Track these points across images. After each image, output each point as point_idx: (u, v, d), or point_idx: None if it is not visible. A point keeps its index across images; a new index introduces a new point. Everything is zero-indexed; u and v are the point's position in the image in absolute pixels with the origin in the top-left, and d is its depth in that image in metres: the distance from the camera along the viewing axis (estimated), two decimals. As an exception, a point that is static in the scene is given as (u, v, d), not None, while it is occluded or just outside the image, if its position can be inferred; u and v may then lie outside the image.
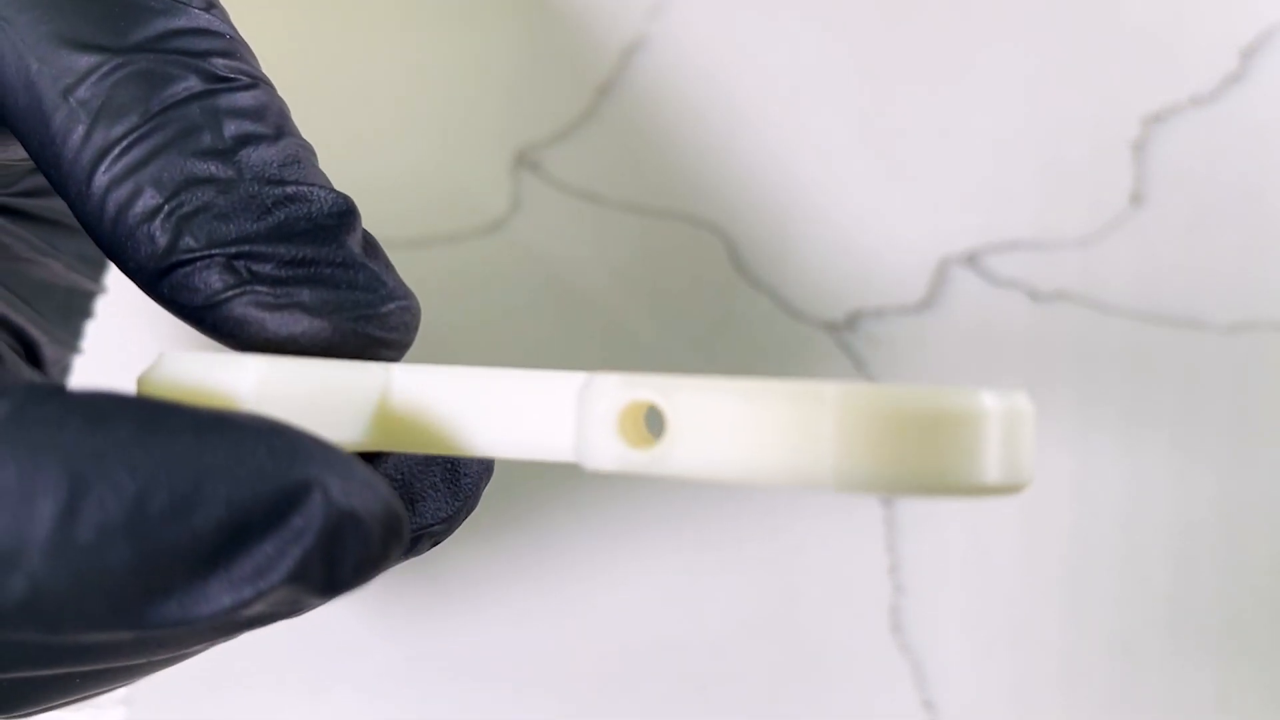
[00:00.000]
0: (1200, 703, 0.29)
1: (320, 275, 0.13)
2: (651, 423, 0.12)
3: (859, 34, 0.29)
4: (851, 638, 0.30)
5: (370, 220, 0.30)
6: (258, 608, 0.11)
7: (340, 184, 0.30)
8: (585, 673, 0.30)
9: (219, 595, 0.11)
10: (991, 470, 0.11)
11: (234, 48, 0.14)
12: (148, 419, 0.10)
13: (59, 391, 0.11)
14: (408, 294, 0.14)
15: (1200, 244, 0.29)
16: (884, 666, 0.30)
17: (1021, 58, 0.29)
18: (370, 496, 0.11)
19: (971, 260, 0.29)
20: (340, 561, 0.11)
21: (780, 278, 0.29)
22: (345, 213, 0.14)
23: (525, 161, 0.30)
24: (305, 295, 0.13)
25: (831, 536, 0.29)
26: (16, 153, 0.16)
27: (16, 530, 0.10)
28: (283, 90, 0.17)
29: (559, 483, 0.30)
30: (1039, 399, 0.29)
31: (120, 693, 0.29)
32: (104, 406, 0.11)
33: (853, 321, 0.29)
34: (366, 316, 0.14)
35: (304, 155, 0.14)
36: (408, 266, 0.29)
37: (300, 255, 0.13)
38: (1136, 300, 0.29)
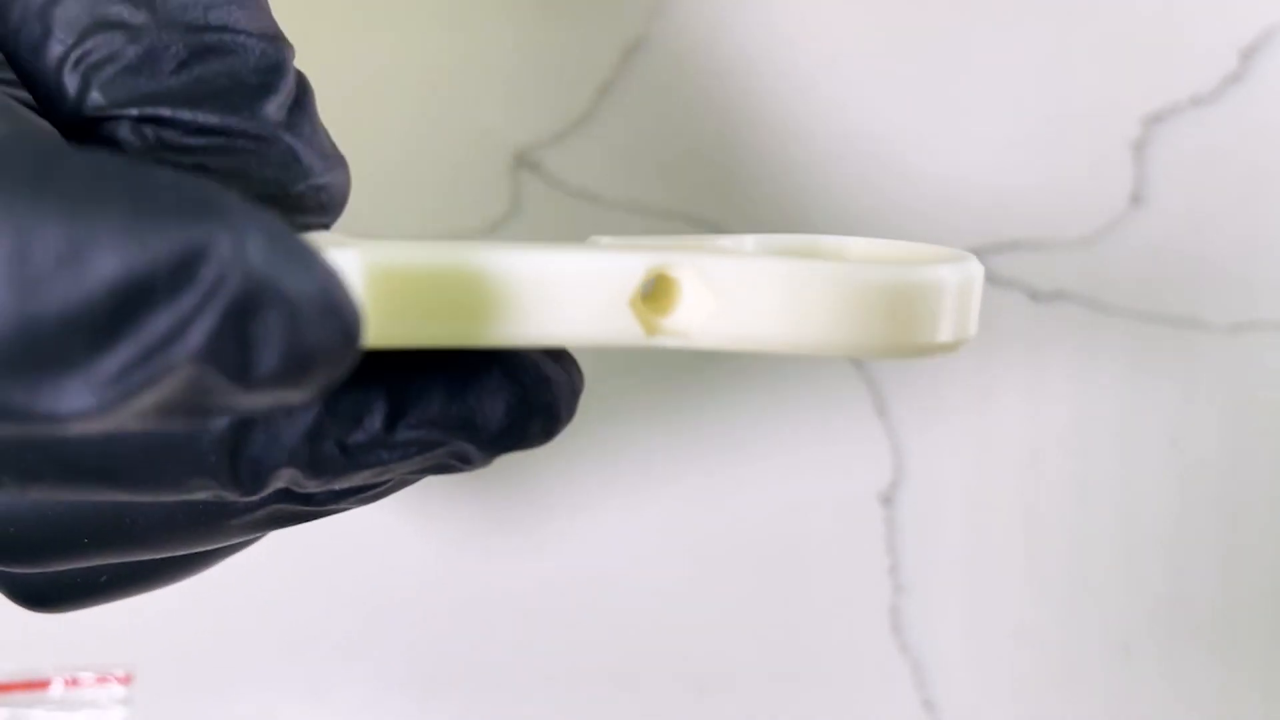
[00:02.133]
0: (1200, 703, 0.29)
1: (232, 147, 0.12)
2: (661, 294, 0.12)
3: (858, 34, 0.29)
4: (851, 637, 0.30)
5: (370, 221, 0.30)
6: (168, 389, 0.09)
7: (340, 184, 0.30)
8: (585, 673, 0.30)
9: (126, 371, 0.09)
10: (944, 333, 0.13)
11: None
12: (36, 164, 0.09)
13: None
14: (327, 167, 0.13)
15: (1200, 244, 0.29)
16: (884, 666, 0.29)
17: (1021, 58, 0.29)
18: (301, 270, 0.09)
19: (971, 260, 0.29)
20: (262, 343, 0.09)
21: (780, 278, 0.29)
22: (271, 68, 0.12)
23: (525, 162, 0.30)
24: (215, 165, 0.12)
25: (831, 536, 0.29)
26: None
27: None
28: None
29: (559, 484, 0.30)
30: (1038, 398, 0.29)
31: (120, 692, 0.29)
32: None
33: (853, 321, 0.29)
34: (277, 197, 0.12)
35: None
36: (408, 266, 0.29)
37: (210, 124, 0.12)
38: (1136, 300, 0.29)
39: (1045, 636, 0.29)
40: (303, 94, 0.13)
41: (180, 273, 0.09)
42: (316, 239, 0.11)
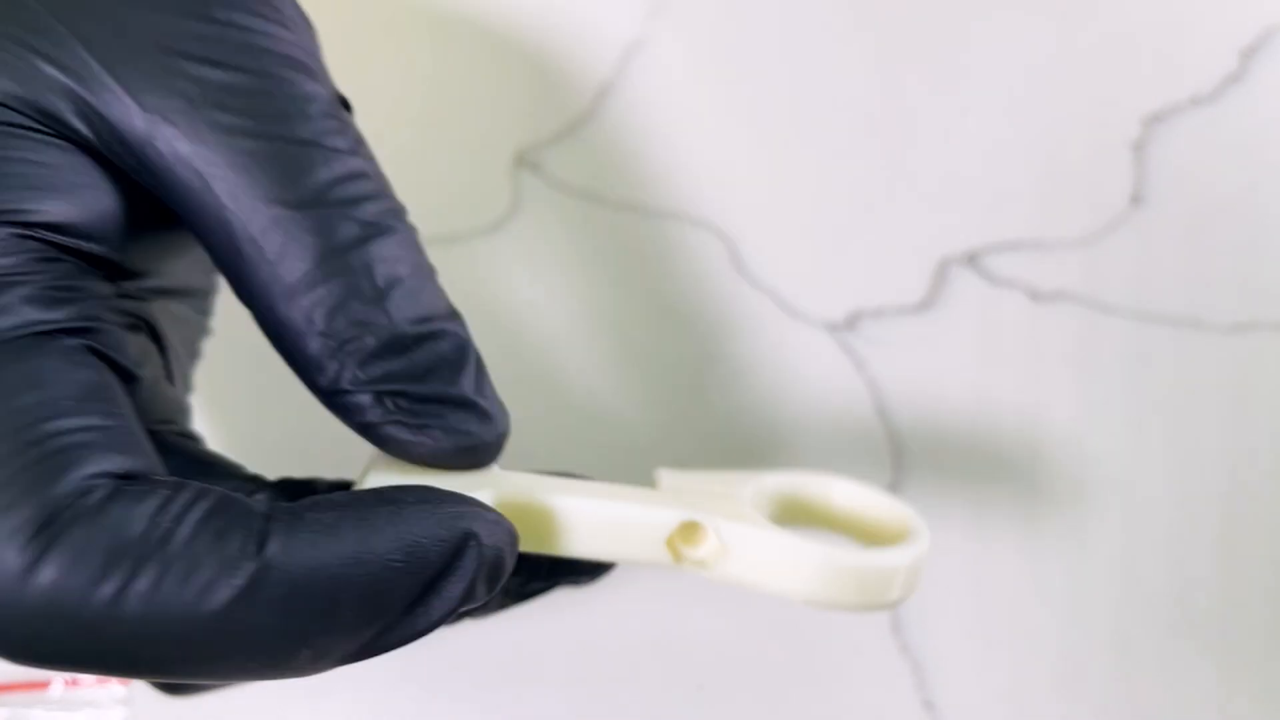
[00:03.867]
0: (1199, 703, 0.29)
1: (447, 410, 0.18)
2: (691, 533, 0.18)
3: (859, 34, 0.29)
4: (852, 638, 0.30)
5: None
6: (458, 611, 0.17)
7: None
8: (585, 673, 0.30)
9: (438, 609, 0.16)
10: (894, 595, 0.19)
11: (379, 188, 0.18)
12: (381, 512, 0.16)
13: (306, 506, 0.16)
14: (503, 416, 0.19)
15: (1200, 244, 0.29)
16: (884, 666, 0.30)
17: (1022, 58, 0.29)
18: (502, 532, 0.17)
19: (971, 260, 0.29)
20: (491, 579, 0.17)
21: (780, 278, 0.29)
22: (462, 347, 0.18)
23: (525, 162, 0.30)
24: (436, 428, 0.18)
25: (831, 536, 0.30)
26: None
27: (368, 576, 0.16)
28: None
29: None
30: (1039, 398, 0.29)
31: (120, 693, 0.30)
32: (341, 506, 0.16)
33: (853, 321, 0.29)
34: (476, 446, 0.18)
35: (429, 284, 0.18)
36: (408, 266, 0.29)
37: (431, 393, 0.18)
38: (1136, 300, 0.29)
39: (1045, 637, 0.29)
40: (476, 355, 0.19)
41: (459, 552, 0.16)
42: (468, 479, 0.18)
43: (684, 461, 0.30)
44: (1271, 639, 0.29)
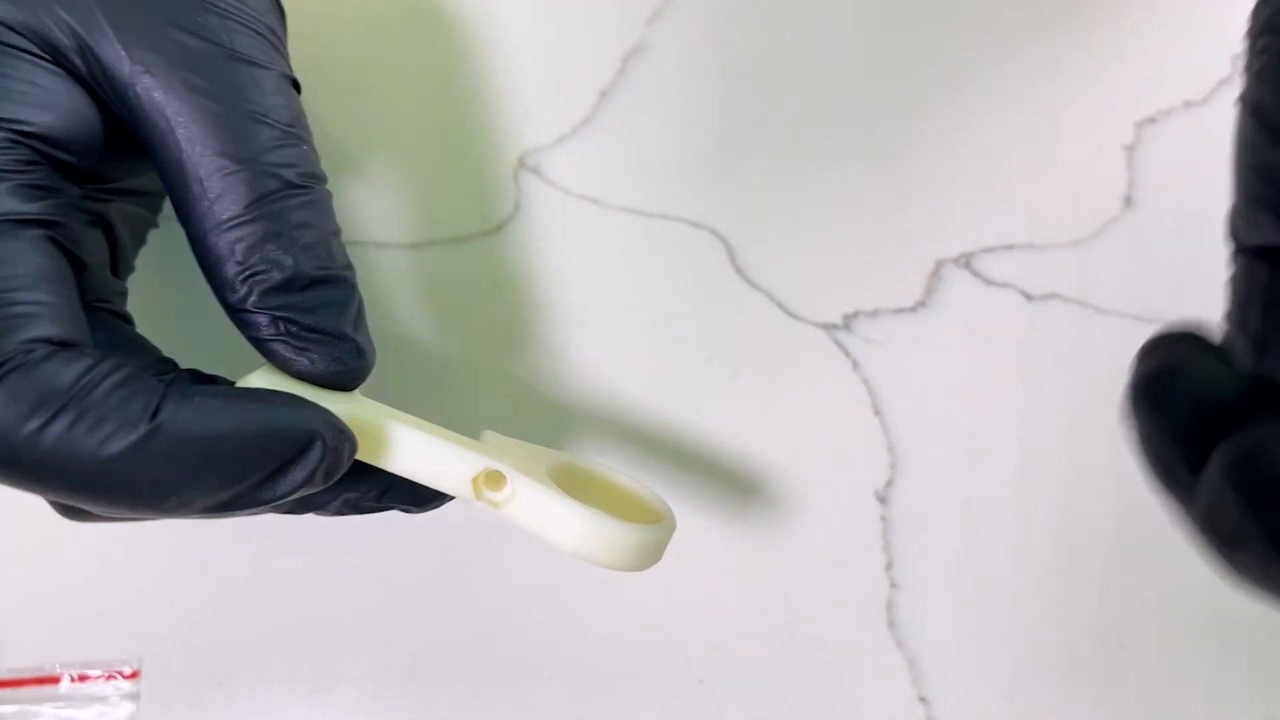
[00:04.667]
0: (1191, 697, 0.29)
1: (326, 340, 0.22)
2: (496, 478, 0.22)
3: (856, 38, 0.29)
4: (848, 633, 0.30)
5: (375, 224, 0.30)
6: (299, 493, 0.20)
7: (346, 187, 0.30)
8: (585, 668, 0.30)
9: (283, 486, 0.20)
10: (620, 564, 0.22)
11: (304, 157, 0.22)
12: (253, 405, 0.20)
13: (197, 389, 0.19)
14: (371, 354, 0.22)
15: (1191, 245, 0.29)
16: (879, 661, 0.30)
17: (1016, 62, 0.29)
18: (343, 439, 0.20)
19: (966, 261, 0.29)
20: (329, 472, 0.20)
21: (779, 278, 0.30)
22: (349, 293, 0.22)
23: (527, 165, 0.30)
24: (313, 352, 0.22)
25: (829, 534, 0.30)
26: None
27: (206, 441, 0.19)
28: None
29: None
30: (1032, 398, 0.29)
31: (128, 688, 0.30)
32: (224, 395, 0.20)
33: (849, 322, 0.30)
34: (344, 372, 0.22)
35: (334, 242, 0.22)
36: (412, 268, 0.29)
37: (316, 324, 0.21)
38: (1128, 301, 0.29)
39: (1039, 633, 0.29)
40: (361, 305, 0.22)
41: (307, 447, 0.20)
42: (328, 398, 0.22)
43: (683, 457, 0.30)
44: (1264, 634, 0.29)
